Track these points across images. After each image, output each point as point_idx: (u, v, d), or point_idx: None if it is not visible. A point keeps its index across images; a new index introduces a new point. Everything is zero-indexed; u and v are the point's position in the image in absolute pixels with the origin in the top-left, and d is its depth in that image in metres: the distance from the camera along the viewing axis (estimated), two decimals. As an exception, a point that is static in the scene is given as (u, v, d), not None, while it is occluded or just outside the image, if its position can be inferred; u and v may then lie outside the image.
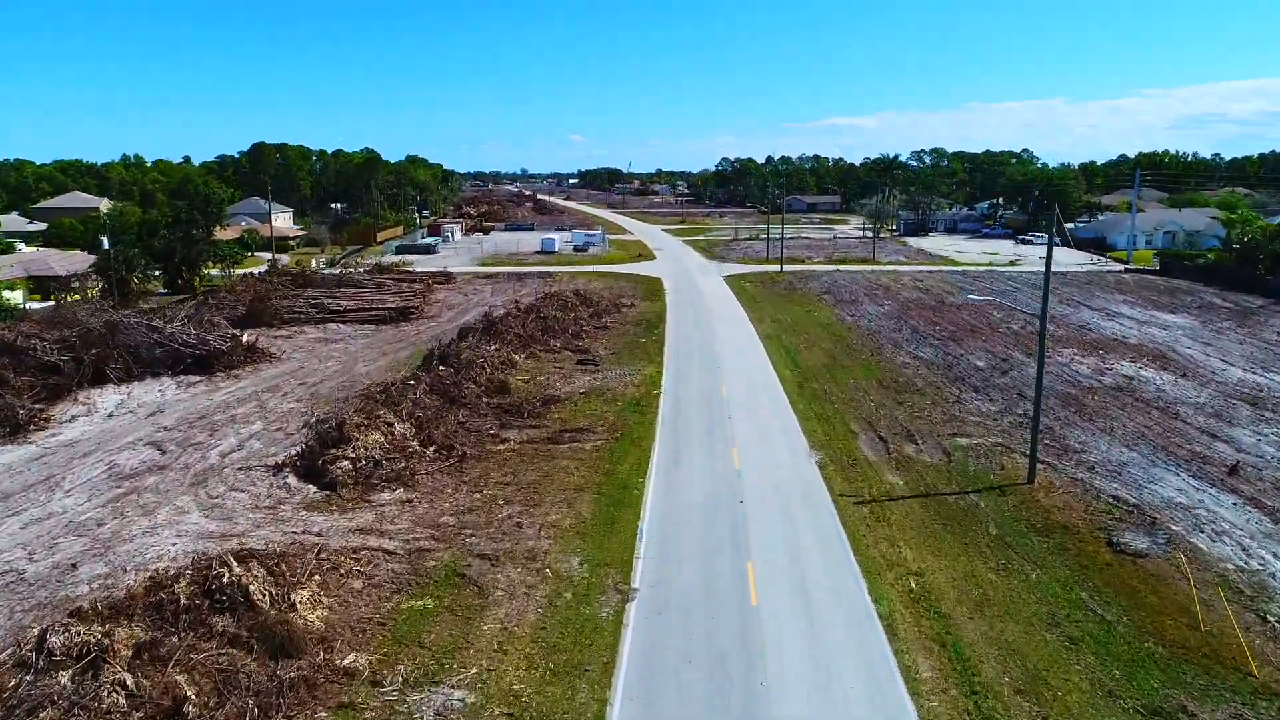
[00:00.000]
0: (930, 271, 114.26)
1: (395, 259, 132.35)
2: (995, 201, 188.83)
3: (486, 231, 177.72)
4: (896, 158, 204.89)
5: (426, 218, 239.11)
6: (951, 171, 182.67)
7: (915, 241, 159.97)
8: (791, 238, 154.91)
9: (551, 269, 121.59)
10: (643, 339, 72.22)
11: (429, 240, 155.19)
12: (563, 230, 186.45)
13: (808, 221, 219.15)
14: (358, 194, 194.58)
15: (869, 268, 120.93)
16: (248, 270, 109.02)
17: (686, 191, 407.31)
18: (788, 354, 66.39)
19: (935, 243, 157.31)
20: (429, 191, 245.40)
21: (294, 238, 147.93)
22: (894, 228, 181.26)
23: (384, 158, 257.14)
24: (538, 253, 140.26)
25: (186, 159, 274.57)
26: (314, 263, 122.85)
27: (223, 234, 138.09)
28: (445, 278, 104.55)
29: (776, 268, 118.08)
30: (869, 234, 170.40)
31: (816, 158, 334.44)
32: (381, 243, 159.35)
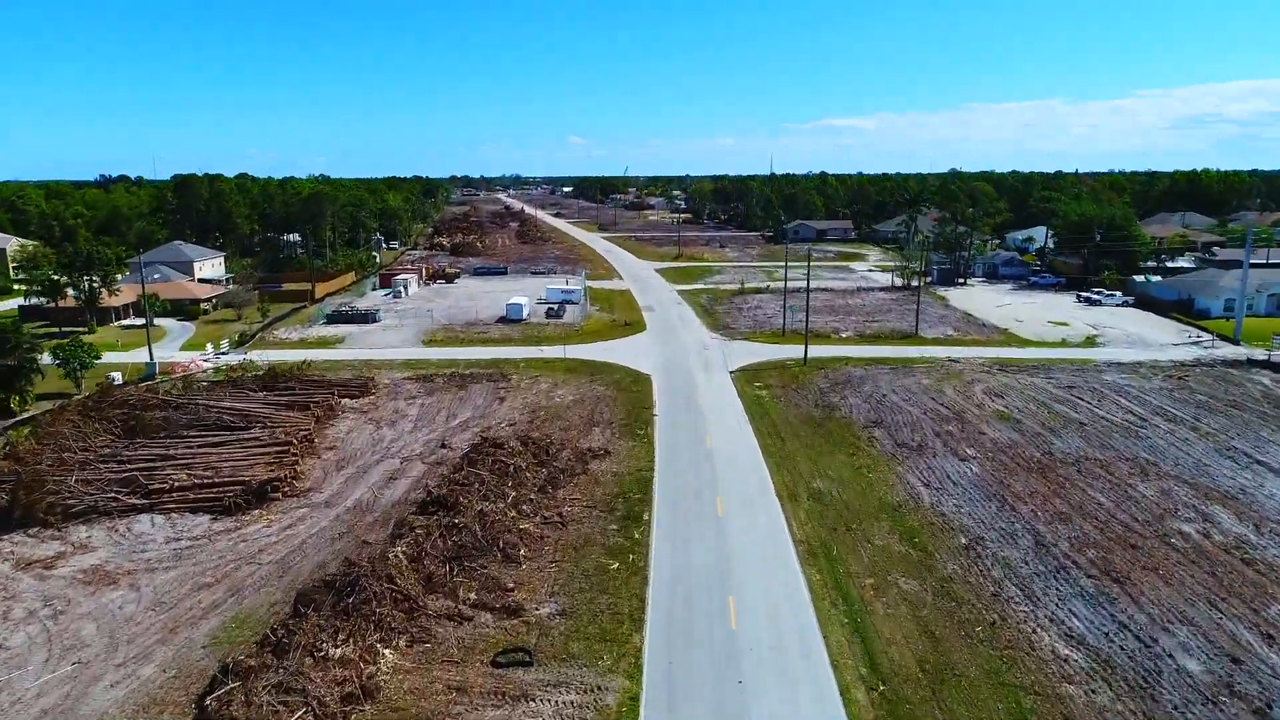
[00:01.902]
0: (998, 366, 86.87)
1: (321, 334, 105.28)
2: (1043, 246, 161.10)
3: (451, 279, 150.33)
4: (922, 193, 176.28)
5: (394, 249, 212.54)
6: (995, 211, 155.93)
7: (955, 296, 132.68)
8: (810, 290, 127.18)
9: (512, 354, 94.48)
10: (614, 561, 45.07)
11: (372, 301, 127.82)
12: (540, 275, 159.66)
13: (821, 256, 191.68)
14: (310, 228, 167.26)
15: (914, 351, 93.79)
16: (117, 375, 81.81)
17: (684, 206, 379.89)
18: (851, 618, 39.25)
19: (979, 298, 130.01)
20: (398, 220, 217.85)
21: (207, 299, 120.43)
22: (924, 270, 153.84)
23: (365, 175, 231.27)
24: (501, 320, 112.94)
25: (140, 180, 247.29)
26: (209, 349, 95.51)
27: (112, 300, 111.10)
28: (362, 387, 77.14)
29: (798, 350, 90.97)
30: (897, 281, 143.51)
31: (823, 176, 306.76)
32: (321, 298, 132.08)
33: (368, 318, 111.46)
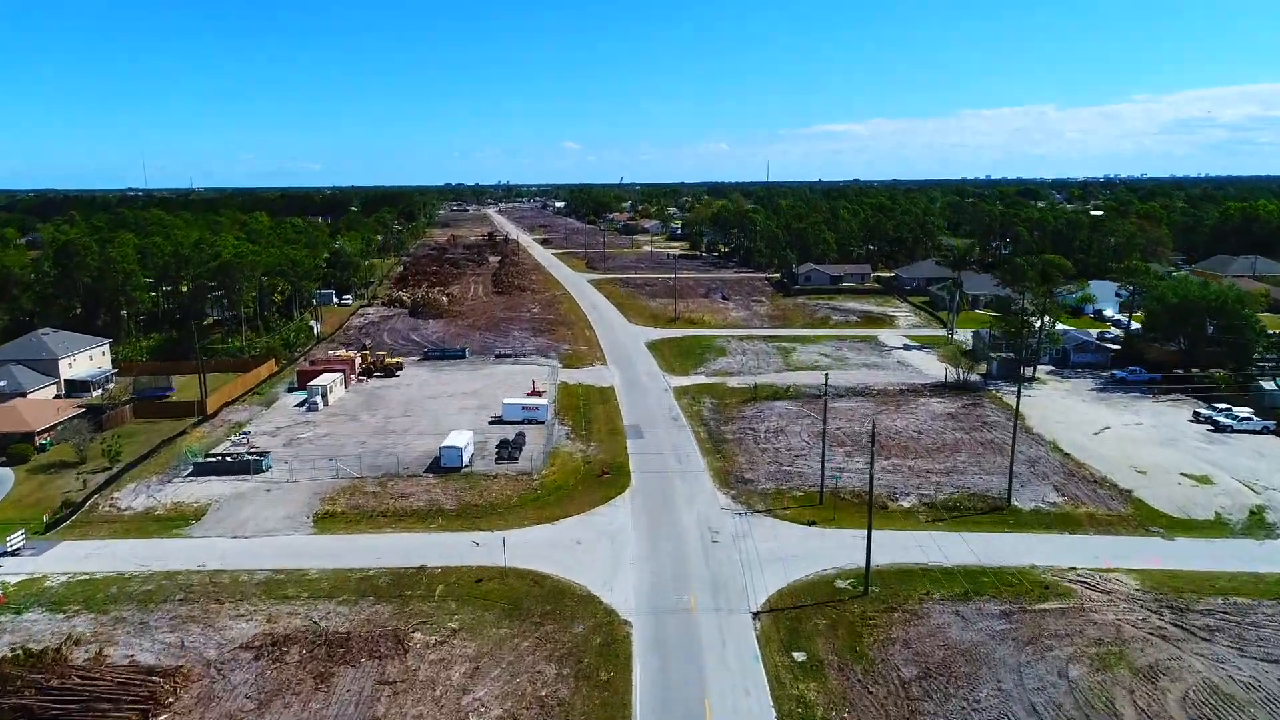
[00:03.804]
0: (1165, 605, 55.62)
1: (178, 498, 73.99)
2: (1126, 328, 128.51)
3: (392, 370, 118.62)
4: (968, 254, 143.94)
5: (347, 304, 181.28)
6: (1075, 291, 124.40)
7: (1030, 406, 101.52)
8: (842, 396, 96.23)
9: (433, 552, 63.56)
10: None
11: (279, 416, 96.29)
12: (505, 358, 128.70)
13: (841, 319, 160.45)
14: (224, 303, 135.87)
15: (1019, 547, 62.95)
16: None
17: (680, 232, 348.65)
18: None
19: (1063, 412, 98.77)
20: (353, 269, 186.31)
21: (45, 430, 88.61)
22: (973, 353, 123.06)
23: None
24: (432, 468, 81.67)
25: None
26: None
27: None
28: (146, 699, 45.59)
29: (845, 542, 60.34)
30: (949, 371, 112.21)
31: (833, 208, 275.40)
32: (215, 412, 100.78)
33: (249, 467, 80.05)
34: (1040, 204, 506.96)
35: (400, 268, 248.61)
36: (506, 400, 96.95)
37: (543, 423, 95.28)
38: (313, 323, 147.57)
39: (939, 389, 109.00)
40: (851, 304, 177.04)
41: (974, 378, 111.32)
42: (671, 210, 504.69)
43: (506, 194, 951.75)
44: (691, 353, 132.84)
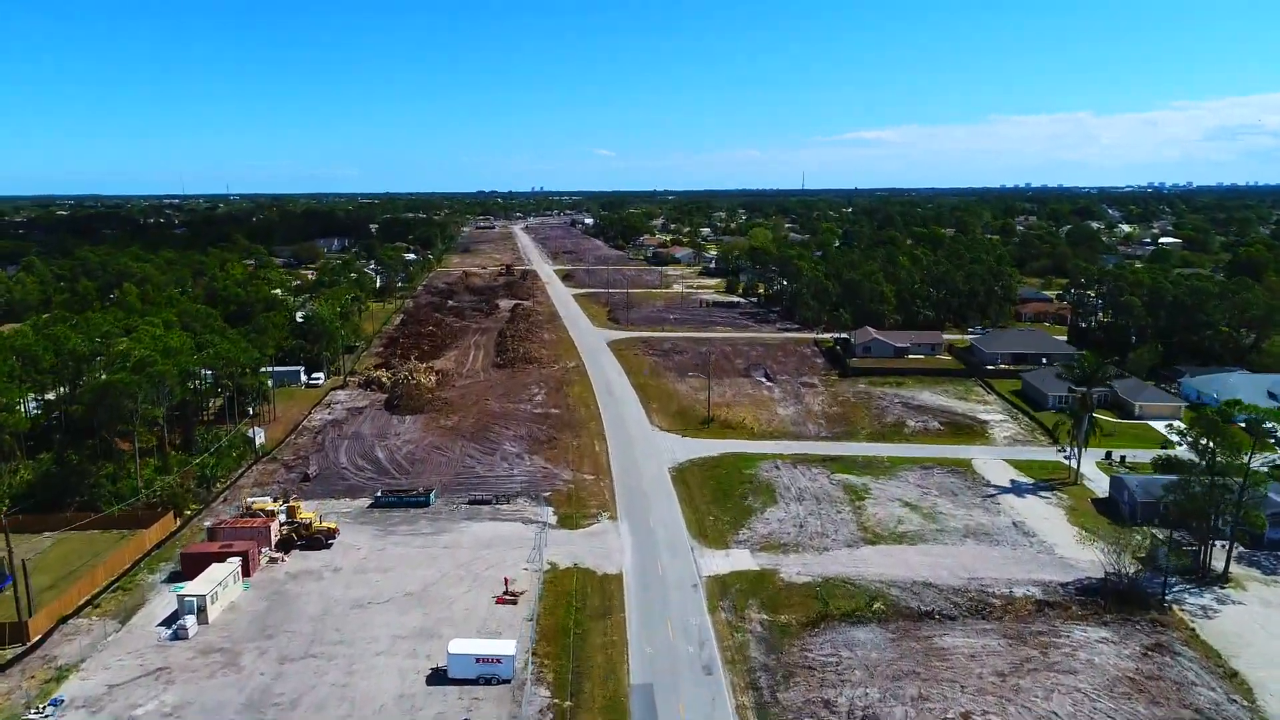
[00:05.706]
0: None
1: None
2: None
3: (319, 540, 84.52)
4: (1097, 370, 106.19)
5: (316, 383, 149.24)
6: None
7: (1241, 648, 65.84)
8: (952, 619, 60.68)
9: None
10: None
11: (129, 652, 62.23)
12: (479, 507, 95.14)
13: (917, 424, 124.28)
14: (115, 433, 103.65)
15: None
16: None
17: (713, 267, 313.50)
18: None
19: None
20: (326, 340, 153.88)
21: None
22: (1116, 510, 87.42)
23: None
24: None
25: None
26: None
27: None
28: None
29: None
30: (1102, 558, 76.49)
31: (890, 254, 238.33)
32: (43, 637, 68.27)
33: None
34: (1097, 224, 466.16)
35: (400, 316, 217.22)
36: (454, 649, 62.94)
37: (507, 682, 61.66)
38: (254, 431, 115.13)
39: (1090, 597, 73.28)
40: (926, 395, 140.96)
41: (1127, 572, 75.20)
42: (705, 231, 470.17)
43: (537, 205, 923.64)
44: (730, 494, 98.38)
